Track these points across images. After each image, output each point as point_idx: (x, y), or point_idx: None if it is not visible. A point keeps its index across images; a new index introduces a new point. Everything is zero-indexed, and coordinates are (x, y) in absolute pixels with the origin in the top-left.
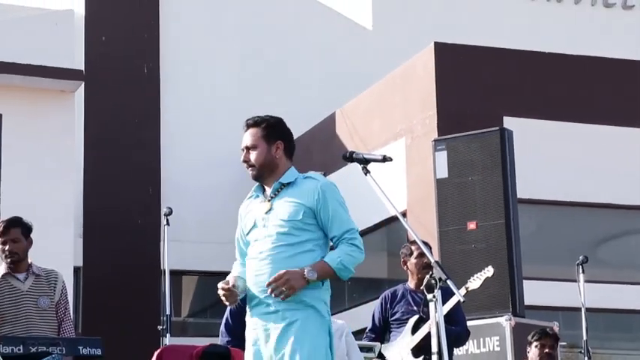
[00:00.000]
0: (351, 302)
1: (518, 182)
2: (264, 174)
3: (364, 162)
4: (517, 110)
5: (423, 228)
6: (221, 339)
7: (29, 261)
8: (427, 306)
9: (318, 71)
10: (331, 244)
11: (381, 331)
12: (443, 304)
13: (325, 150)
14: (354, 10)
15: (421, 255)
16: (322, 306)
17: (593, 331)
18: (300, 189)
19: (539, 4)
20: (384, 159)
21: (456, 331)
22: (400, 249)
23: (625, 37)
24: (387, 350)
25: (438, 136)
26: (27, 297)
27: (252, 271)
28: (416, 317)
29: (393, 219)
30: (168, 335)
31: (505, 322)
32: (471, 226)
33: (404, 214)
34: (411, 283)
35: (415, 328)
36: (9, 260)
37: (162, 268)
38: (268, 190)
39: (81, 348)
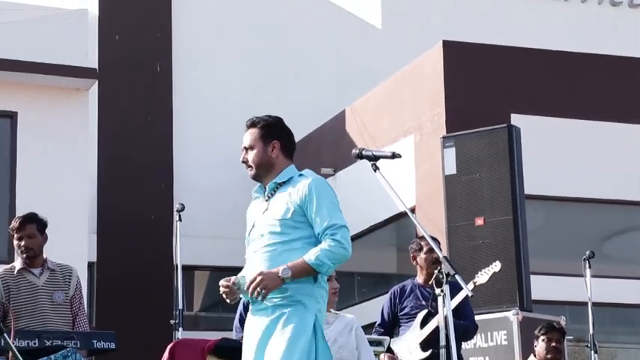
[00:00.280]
0: (361, 297)
1: (526, 179)
2: (262, 173)
3: (374, 159)
4: (524, 108)
5: (432, 224)
6: (235, 334)
7: (44, 256)
8: (436, 300)
9: (328, 69)
10: None
11: (390, 326)
12: (451, 299)
13: (335, 147)
14: (364, 9)
15: (431, 250)
16: (311, 301)
17: (600, 326)
18: (293, 187)
19: (546, 2)
20: (393, 156)
21: (464, 325)
22: (409, 244)
23: (632, 35)
24: (396, 344)
25: (447, 133)
26: (42, 292)
27: (249, 269)
28: (425, 312)
29: (402, 215)
30: (180, 329)
31: (512, 316)
32: (479, 221)
33: (413, 210)
34: (420, 278)
35: (424, 323)
36: (25, 256)
37: (174, 263)
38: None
39: (95, 342)
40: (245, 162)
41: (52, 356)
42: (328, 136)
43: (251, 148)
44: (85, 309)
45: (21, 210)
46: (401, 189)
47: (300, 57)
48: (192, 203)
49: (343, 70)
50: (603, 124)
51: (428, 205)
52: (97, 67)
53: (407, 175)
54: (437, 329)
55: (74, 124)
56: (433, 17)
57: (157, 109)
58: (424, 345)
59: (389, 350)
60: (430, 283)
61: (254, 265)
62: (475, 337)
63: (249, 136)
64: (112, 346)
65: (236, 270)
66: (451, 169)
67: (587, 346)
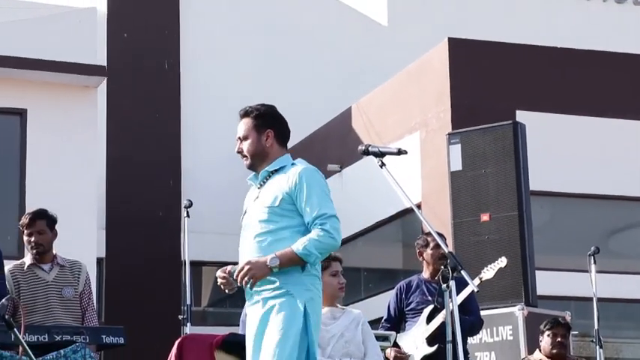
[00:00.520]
0: (367, 292)
1: (531, 175)
2: (256, 163)
3: (380, 155)
4: (530, 104)
5: (438, 220)
6: (241, 329)
7: (54, 252)
8: (442, 296)
9: (335, 66)
10: None
11: (397, 321)
12: (457, 294)
13: (341, 144)
14: (370, 6)
15: (437, 246)
16: (300, 289)
17: (605, 321)
18: (284, 176)
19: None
20: (399, 152)
21: (470, 320)
22: (415, 240)
23: (637, 32)
24: (402, 339)
25: (452, 129)
26: (52, 287)
27: (241, 257)
28: (431, 307)
29: (408, 211)
30: (188, 324)
31: (518, 311)
32: (485, 217)
33: (419, 206)
34: (426, 274)
35: (430, 318)
36: (34, 251)
37: (182, 259)
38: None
39: (104, 337)
40: (240, 152)
41: (62, 351)
42: (335, 133)
43: (245, 138)
44: (94, 304)
45: (30, 206)
46: (407, 185)
47: (306, 55)
48: (200, 200)
49: (349, 67)
50: (609, 120)
51: (434, 201)
52: (105, 64)
53: (413, 171)
54: (443, 324)
55: (83, 122)
56: (439, 14)
57: (165, 106)
58: (430, 340)
59: (395, 345)
60: (436, 278)
61: (245, 254)
62: (481, 332)
63: (242, 126)
64: (121, 341)
65: None
66: (457, 165)
67: (592, 341)
